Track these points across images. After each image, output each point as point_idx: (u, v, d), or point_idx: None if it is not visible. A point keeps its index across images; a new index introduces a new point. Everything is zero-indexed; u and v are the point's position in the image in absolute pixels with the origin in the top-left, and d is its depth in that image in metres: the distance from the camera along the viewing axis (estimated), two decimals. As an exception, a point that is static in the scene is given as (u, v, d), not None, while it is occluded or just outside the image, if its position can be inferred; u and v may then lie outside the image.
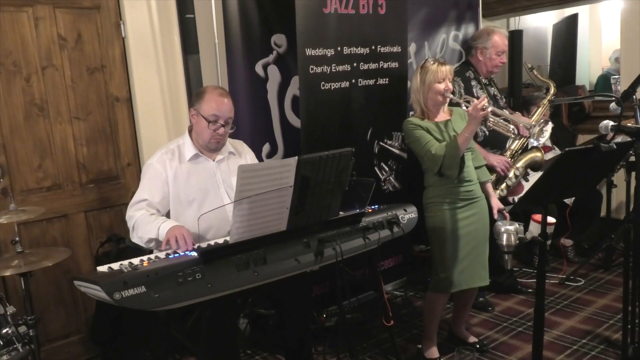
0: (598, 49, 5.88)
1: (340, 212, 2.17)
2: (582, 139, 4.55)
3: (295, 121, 3.06)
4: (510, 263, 2.18)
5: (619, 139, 2.42)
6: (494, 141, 3.00)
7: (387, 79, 3.14)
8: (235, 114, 2.34)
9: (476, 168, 2.57)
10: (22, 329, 2.11)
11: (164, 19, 3.04)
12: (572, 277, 3.58)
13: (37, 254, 2.21)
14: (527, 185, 3.11)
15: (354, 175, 2.16)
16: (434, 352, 2.69)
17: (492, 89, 3.19)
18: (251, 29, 2.94)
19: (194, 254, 1.85)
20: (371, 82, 3.07)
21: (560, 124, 4.39)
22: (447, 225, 2.49)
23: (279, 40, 3.01)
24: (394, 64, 3.16)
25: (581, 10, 5.34)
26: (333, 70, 2.87)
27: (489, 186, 2.68)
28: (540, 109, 3.20)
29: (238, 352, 2.38)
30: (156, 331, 2.36)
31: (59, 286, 2.84)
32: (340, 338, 2.75)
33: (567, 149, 1.75)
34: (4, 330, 2.02)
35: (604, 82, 5.06)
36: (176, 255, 1.89)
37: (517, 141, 3.02)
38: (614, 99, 2.67)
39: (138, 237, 2.16)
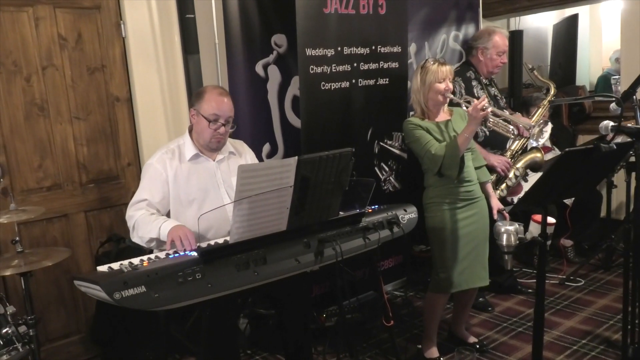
0: (598, 50, 5.89)
1: (340, 212, 2.17)
2: (582, 139, 4.56)
3: (296, 121, 3.06)
4: (510, 263, 2.18)
5: (619, 139, 2.42)
6: (495, 141, 3.00)
7: (387, 79, 3.14)
8: (236, 114, 2.34)
9: (476, 168, 2.57)
10: (22, 328, 2.11)
11: (164, 18, 3.04)
12: (572, 278, 3.58)
13: (37, 254, 2.21)
14: (526, 186, 3.11)
15: (354, 175, 2.16)
16: (433, 352, 2.69)
17: (493, 89, 3.19)
18: (251, 29, 2.95)
19: (194, 253, 1.85)
20: (371, 82, 3.07)
21: (561, 125, 4.40)
22: (447, 226, 2.49)
23: (279, 40, 3.01)
24: (394, 64, 3.16)
25: (581, 10, 5.34)
26: (333, 70, 2.87)
27: (489, 186, 2.68)
28: (540, 109, 3.20)
29: (238, 352, 2.37)
30: (156, 331, 2.36)
31: (59, 286, 2.84)
32: (340, 338, 2.75)
33: (567, 149, 1.75)
34: (4, 330, 2.02)
35: (604, 82, 5.06)
36: (176, 255, 1.89)
37: (517, 142, 3.02)
38: (614, 99, 2.67)
39: (139, 237, 2.16)
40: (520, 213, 3.05)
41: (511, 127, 2.48)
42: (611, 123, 2.29)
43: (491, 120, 2.46)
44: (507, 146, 3.05)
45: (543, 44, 5.71)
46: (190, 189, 2.24)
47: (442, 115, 2.55)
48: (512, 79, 3.99)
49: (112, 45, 2.93)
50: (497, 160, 2.92)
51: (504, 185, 2.97)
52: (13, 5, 2.62)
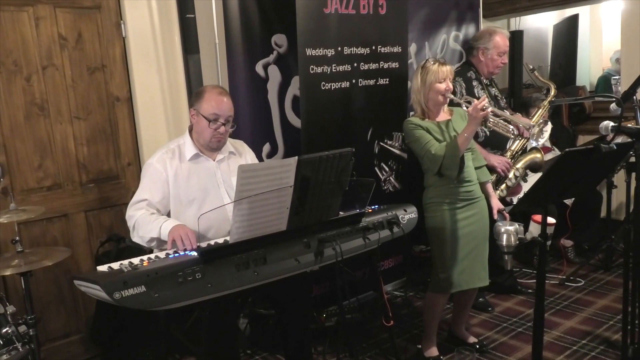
0: (598, 50, 5.89)
1: (340, 212, 2.17)
2: (582, 139, 4.56)
3: (296, 121, 3.06)
4: (510, 263, 2.18)
5: (620, 139, 2.42)
6: (495, 142, 3.00)
7: (388, 79, 3.14)
8: (236, 113, 2.34)
9: (476, 168, 2.57)
10: (22, 328, 2.11)
11: (165, 18, 3.04)
12: (572, 278, 3.58)
13: (37, 254, 2.21)
14: (525, 186, 3.11)
15: (354, 176, 2.16)
16: (433, 352, 2.69)
17: (493, 89, 3.19)
18: (252, 29, 2.95)
19: (194, 253, 1.85)
20: (371, 82, 3.07)
21: (561, 125, 4.39)
22: (447, 226, 2.49)
23: (279, 40, 3.01)
24: (395, 64, 3.16)
25: (582, 10, 5.34)
26: (333, 70, 2.87)
27: (489, 186, 2.67)
28: (540, 110, 3.19)
29: (238, 352, 2.38)
30: (156, 331, 2.37)
31: (59, 286, 2.84)
32: (340, 338, 2.75)
33: (567, 149, 1.75)
34: (4, 330, 2.02)
35: (605, 83, 5.06)
36: (176, 255, 1.89)
37: (517, 142, 3.02)
38: (614, 99, 2.67)
39: (139, 236, 2.16)
40: (518, 213, 3.04)
41: (511, 127, 2.48)
42: (611, 123, 2.29)
43: (491, 120, 2.46)
44: (507, 146, 3.05)
45: (543, 44, 5.71)
46: (191, 188, 2.24)
47: (443, 115, 2.55)
48: (512, 79, 3.99)
49: (113, 45, 2.93)
50: (497, 160, 2.92)
51: (503, 186, 2.97)
52: (13, 4, 2.62)
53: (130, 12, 2.94)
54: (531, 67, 3.33)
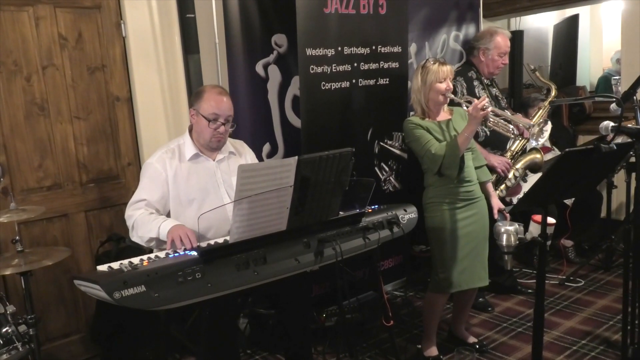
0: (599, 50, 5.88)
1: (340, 212, 2.17)
2: (582, 139, 4.56)
3: (296, 121, 3.06)
4: (510, 263, 2.18)
5: (620, 139, 2.42)
6: (495, 141, 3.00)
7: (388, 79, 3.14)
8: (236, 113, 2.35)
9: (476, 168, 2.57)
10: (22, 328, 2.11)
11: (165, 18, 3.04)
12: (572, 278, 3.58)
13: (37, 253, 2.21)
14: (525, 187, 3.11)
15: (354, 175, 2.15)
16: (433, 352, 2.69)
17: (494, 89, 3.19)
18: (252, 29, 2.95)
19: (194, 253, 1.85)
20: (371, 82, 3.07)
21: (561, 125, 4.39)
22: (446, 226, 2.49)
23: (279, 40, 3.01)
24: (395, 64, 3.16)
25: (582, 11, 5.34)
26: (333, 70, 2.87)
27: (490, 186, 2.67)
28: (541, 110, 3.19)
29: (238, 352, 2.38)
30: (156, 331, 2.37)
31: (59, 285, 2.84)
32: (340, 338, 2.75)
33: (567, 149, 1.75)
34: (4, 329, 2.02)
35: (605, 83, 5.06)
36: (176, 254, 1.89)
37: (517, 142, 3.02)
38: (614, 99, 2.67)
39: (138, 236, 2.16)
40: (518, 214, 3.04)
41: (511, 127, 2.48)
42: (611, 123, 2.29)
43: (491, 120, 2.46)
44: (507, 147, 3.05)
45: (543, 45, 5.71)
46: (190, 188, 2.24)
47: (443, 115, 2.55)
48: (512, 80, 3.99)
49: (113, 45, 2.93)
50: (497, 160, 2.92)
51: (503, 186, 2.97)
52: (13, 4, 2.62)
53: (130, 12, 2.94)
54: (532, 67, 3.33)
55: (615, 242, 3.67)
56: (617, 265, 3.69)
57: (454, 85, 2.56)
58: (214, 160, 2.32)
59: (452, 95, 2.48)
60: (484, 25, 3.91)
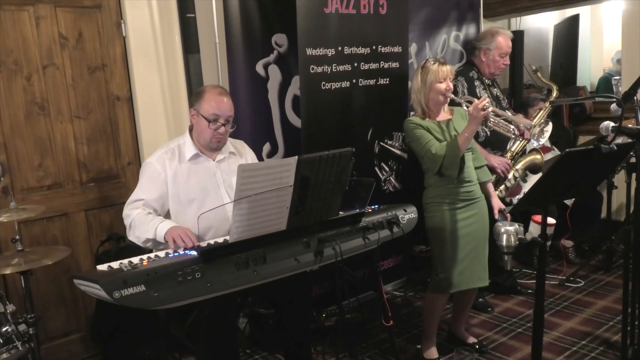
0: (599, 50, 5.88)
1: (340, 212, 2.17)
2: (582, 140, 4.55)
3: (296, 121, 3.06)
4: (510, 264, 2.18)
5: (620, 140, 2.42)
6: (495, 142, 3.00)
7: (388, 79, 3.14)
8: (236, 113, 2.34)
9: (477, 168, 2.56)
10: (22, 327, 2.12)
11: (165, 18, 3.04)
12: (572, 279, 3.58)
13: (37, 253, 2.21)
14: (525, 187, 3.11)
15: (354, 175, 2.16)
16: (433, 352, 2.69)
17: (495, 89, 3.18)
18: (252, 29, 2.95)
19: (194, 253, 1.85)
20: (372, 82, 3.07)
21: (560, 125, 4.39)
22: (446, 226, 2.49)
23: (279, 39, 3.01)
24: (395, 64, 3.16)
25: (582, 11, 5.33)
26: (334, 70, 2.87)
27: (490, 186, 2.67)
28: (542, 111, 3.18)
29: (237, 352, 2.38)
30: (156, 330, 2.37)
31: (59, 285, 2.84)
32: (339, 338, 2.75)
33: (567, 149, 1.75)
34: (4, 329, 2.02)
35: (606, 84, 5.06)
36: (176, 254, 1.89)
37: (517, 142, 3.02)
38: (614, 100, 2.67)
39: (135, 236, 2.15)
40: (517, 214, 3.04)
41: (512, 127, 2.48)
42: (612, 124, 2.29)
43: (492, 120, 2.46)
44: (508, 147, 3.05)
45: (544, 45, 5.71)
46: (190, 188, 2.24)
47: (443, 115, 2.55)
48: (512, 80, 3.99)
49: (113, 45, 2.93)
50: (497, 161, 2.92)
51: (502, 187, 2.97)
52: (14, 4, 2.62)
53: (130, 12, 2.94)
54: (534, 67, 3.33)
55: (615, 243, 3.67)
56: (617, 266, 3.69)
57: (454, 85, 2.55)
58: (214, 160, 2.32)
59: (453, 96, 2.48)
60: (484, 25, 3.91)
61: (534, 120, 3.10)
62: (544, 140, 2.56)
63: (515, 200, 3.10)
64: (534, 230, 2.18)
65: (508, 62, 3.15)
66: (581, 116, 4.54)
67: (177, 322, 2.53)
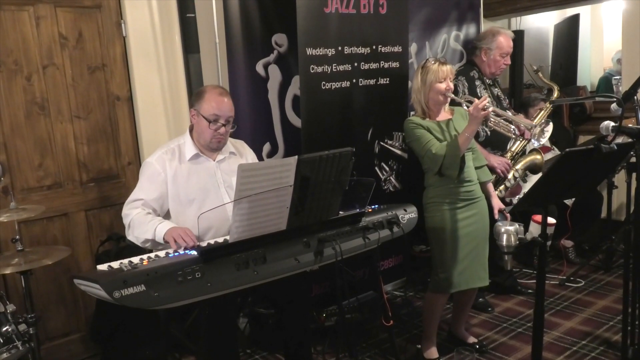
0: (599, 50, 5.88)
1: (340, 212, 2.17)
2: (582, 140, 4.55)
3: (296, 121, 3.06)
4: (510, 264, 2.18)
5: (620, 139, 2.42)
6: (496, 142, 3.00)
7: (388, 79, 3.14)
8: (236, 113, 2.34)
9: (477, 168, 2.56)
10: (22, 327, 2.12)
11: (165, 18, 3.04)
12: (572, 278, 3.58)
13: (37, 253, 2.22)
14: (525, 187, 3.10)
15: (354, 175, 2.16)
16: (433, 352, 2.69)
17: (496, 89, 3.18)
18: (252, 29, 2.95)
19: (194, 252, 1.85)
20: (372, 82, 3.07)
21: (561, 125, 4.39)
22: (447, 226, 2.49)
23: (279, 39, 3.01)
24: (395, 64, 3.16)
25: (583, 10, 5.33)
26: (334, 69, 2.87)
27: (490, 186, 2.67)
28: (543, 111, 3.18)
29: (237, 351, 2.38)
30: (156, 330, 2.37)
31: (59, 284, 2.84)
32: (339, 338, 2.75)
33: (567, 149, 1.75)
34: (4, 328, 2.02)
35: (606, 84, 5.06)
36: (176, 254, 1.89)
37: (518, 142, 3.02)
38: (615, 99, 2.67)
39: (134, 236, 2.15)
40: (517, 214, 3.04)
41: (512, 127, 2.47)
42: (612, 123, 2.28)
43: (492, 120, 2.45)
44: (508, 147, 3.05)
45: (544, 44, 5.70)
46: (190, 188, 2.24)
47: (443, 115, 2.55)
48: (513, 79, 3.99)
49: (113, 45, 2.93)
50: (497, 161, 2.92)
51: (502, 187, 2.97)
52: (14, 4, 2.62)
53: (130, 12, 2.94)
54: (535, 67, 3.32)
55: (615, 243, 3.67)
56: (617, 266, 3.69)
57: (455, 85, 2.55)
58: (214, 160, 2.32)
59: (453, 95, 2.48)
60: (484, 25, 3.91)
61: (535, 121, 3.10)
62: (545, 140, 2.56)
63: (515, 200, 3.10)
64: (534, 230, 2.18)
65: (509, 62, 3.15)
66: (581, 116, 4.54)
67: (177, 322, 2.52)
